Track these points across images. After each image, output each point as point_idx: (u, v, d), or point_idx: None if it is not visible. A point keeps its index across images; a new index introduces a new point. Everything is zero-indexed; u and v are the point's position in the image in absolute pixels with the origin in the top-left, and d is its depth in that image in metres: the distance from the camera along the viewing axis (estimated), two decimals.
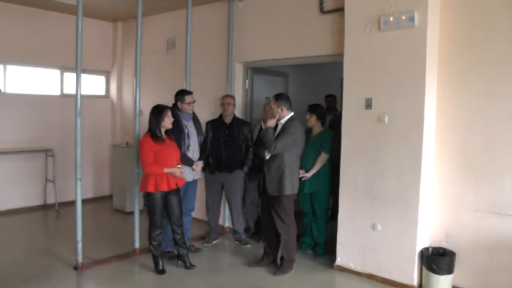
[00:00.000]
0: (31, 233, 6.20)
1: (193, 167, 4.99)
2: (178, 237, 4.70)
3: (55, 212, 7.07)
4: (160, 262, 4.65)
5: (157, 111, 4.50)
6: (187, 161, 4.91)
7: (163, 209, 4.56)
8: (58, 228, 6.57)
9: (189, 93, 5.07)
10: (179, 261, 4.79)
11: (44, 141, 7.25)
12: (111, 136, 8.21)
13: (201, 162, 5.11)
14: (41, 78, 7.42)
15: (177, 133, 4.80)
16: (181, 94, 5.01)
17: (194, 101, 5.05)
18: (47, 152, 7.17)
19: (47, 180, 7.28)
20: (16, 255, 5.15)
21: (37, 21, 7.06)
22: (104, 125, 8.12)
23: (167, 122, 4.50)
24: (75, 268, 4.68)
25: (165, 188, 4.47)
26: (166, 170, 4.43)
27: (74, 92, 7.21)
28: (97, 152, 7.96)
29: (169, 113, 4.53)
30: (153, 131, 4.45)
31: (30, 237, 5.94)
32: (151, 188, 4.43)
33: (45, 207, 7.32)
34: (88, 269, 4.71)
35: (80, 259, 4.69)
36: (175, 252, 4.90)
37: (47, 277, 4.50)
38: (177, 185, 4.59)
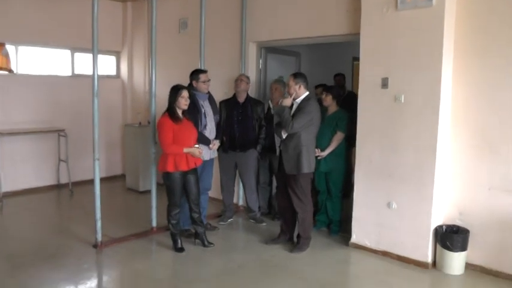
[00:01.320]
0: (47, 212, 6.30)
1: (210, 146, 5.04)
2: (196, 215, 4.78)
3: (69, 191, 7.15)
4: (179, 240, 4.73)
5: (173, 91, 4.55)
6: (204, 140, 4.97)
7: (182, 188, 4.62)
8: (73, 208, 6.65)
9: (204, 71, 5.09)
10: (197, 240, 4.87)
11: (56, 121, 7.30)
12: (122, 116, 8.26)
13: (217, 141, 5.16)
14: (52, 59, 7.42)
15: (193, 112, 4.84)
16: (196, 73, 5.04)
17: (209, 80, 5.08)
18: (60, 132, 7.21)
19: (59, 160, 7.34)
20: (35, 235, 5.26)
21: (47, 1, 7.04)
22: (115, 105, 8.16)
23: (181, 102, 4.52)
24: (95, 246, 4.77)
25: (184, 167, 4.53)
26: (185, 150, 4.49)
27: (84, 72, 7.44)
28: (109, 131, 8.00)
29: (185, 94, 4.54)
30: (171, 110, 4.50)
31: (46, 217, 6.04)
32: (170, 168, 4.48)
33: (58, 186, 7.40)
34: (107, 247, 4.80)
35: (99, 237, 4.77)
36: (193, 231, 4.99)
37: (67, 256, 4.60)
38: (195, 164, 4.64)
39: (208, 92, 5.14)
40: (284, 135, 4.58)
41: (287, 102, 4.55)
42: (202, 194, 5.19)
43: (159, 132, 4.53)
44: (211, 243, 4.85)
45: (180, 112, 4.56)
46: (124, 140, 7.82)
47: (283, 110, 4.50)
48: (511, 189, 4.06)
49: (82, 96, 7.17)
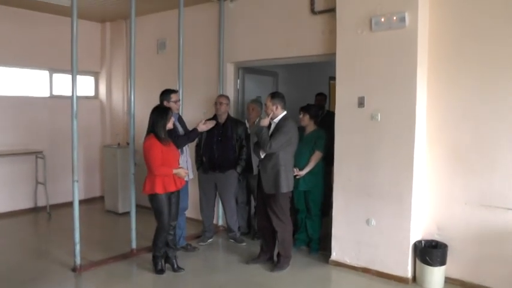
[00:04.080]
0: (24, 236, 6.19)
1: (201, 126, 5.00)
2: (170, 237, 4.70)
3: (47, 214, 7.04)
4: (160, 262, 4.66)
5: (163, 112, 4.51)
6: (193, 134, 5.02)
7: (169, 209, 4.57)
8: (51, 231, 6.56)
9: (175, 91, 5.11)
10: (166, 264, 4.75)
11: (33, 143, 7.22)
12: (101, 137, 8.20)
13: (204, 120, 5.12)
14: (29, 80, 7.36)
15: (170, 133, 4.85)
16: (166, 93, 5.03)
17: (179, 100, 5.12)
18: (37, 154, 7.13)
19: (37, 182, 7.24)
20: (12, 259, 5.15)
21: (25, 22, 7.01)
22: (94, 125, 8.09)
23: (171, 123, 4.54)
24: (74, 270, 4.70)
25: (172, 188, 4.51)
26: (174, 171, 4.48)
27: (63, 93, 7.38)
28: (87, 153, 7.93)
29: (172, 114, 4.58)
30: (158, 132, 4.43)
31: (24, 240, 5.93)
32: (159, 190, 4.42)
33: (36, 209, 7.28)
34: (86, 270, 4.73)
35: (78, 261, 4.70)
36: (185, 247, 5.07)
37: (46, 280, 4.53)
38: (181, 184, 4.64)
39: (178, 113, 5.18)
40: (262, 155, 4.61)
41: (265, 122, 4.60)
42: (180, 214, 5.16)
43: (148, 155, 4.40)
44: (182, 268, 4.75)
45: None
46: (103, 161, 7.75)
47: (261, 130, 4.54)
48: (486, 204, 4.15)
49: (60, 117, 7.13)
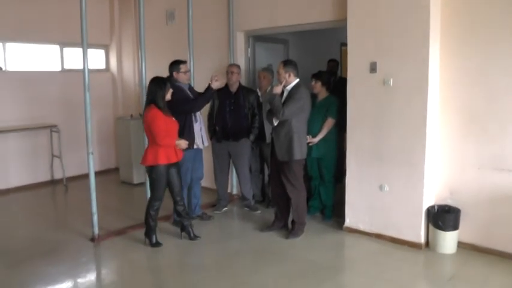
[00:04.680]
0: (43, 208, 6.31)
1: (213, 81, 4.93)
2: (181, 208, 4.73)
3: (63, 186, 7.17)
4: (154, 235, 4.67)
5: (162, 83, 4.46)
6: (207, 94, 4.96)
7: (167, 180, 4.57)
8: (68, 202, 6.70)
9: (184, 62, 5.07)
10: (183, 233, 4.83)
11: (47, 117, 7.29)
12: (113, 109, 8.25)
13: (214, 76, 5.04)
14: (40, 55, 7.39)
15: (186, 96, 4.89)
16: (176, 64, 5.00)
17: (189, 70, 5.11)
18: (52, 128, 7.21)
19: (53, 155, 7.35)
20: (32, 231, 5.28)
21: None
22: (106, 98, 8.14)
23: (169, 94, 4.51)
24: (92, 240, 4.80)
25: (174, 159, 4.51)
26: (176, 142, 4.50)
27: (74, 67, 7.41)
28: (101, 125, 8.00)
29: (169, 85, 4.53)
30: (159, 103, 4.40)
31: (42, 213, 6.05)
32: (163, 160, 4.43)
33: (53, 182, 7.41)
34: (104, 240, 4.84)
35: (96, 231, 4.81)
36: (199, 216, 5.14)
37: (65, 250, 4.63)
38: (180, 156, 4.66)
39: (189, 84, 5.18)
40: (275, 122, 4.62)
41: (277, 89, 4.58)
42: (195, 183, 5.29)
43: (152, 125, 4.37)
44: (198, 236, 4.82)
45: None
46: (116, 133, 7.82)
47: (273, 97, 4.53)
48: (499, 167, 4.15)
49: (73, 91, 7.17)
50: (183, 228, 4.83)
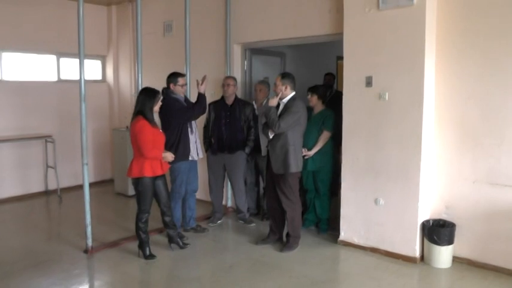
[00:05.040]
0: (36, 219, 6.28)
1: (199, 86, 4.98)
2: (168, 219, 4.71)
3: (57, 197, 7.12)
4: (148, 248, 4.63)
5: (152, 94, 4.42)
6: (202, 98, 4.99)
7: (153, 193, 4.54)
8: (63, 213, 6.65)
9: (182, 75, 5.08)
10: (172, 244, 4.80)
11: (43, 127, 7.27)
12: (109, 120, 8.24)
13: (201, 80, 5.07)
14: (37, 65, 7.38)
15: (182, 106, 4.91)
16: (174, 76, 5.01)
17: (186, 84, 5.13)
18: (47, 138, 7.19)
19: (47, 166, 7.31)
20: (25, 241, 5.24)
21: (32, 6, 7.01)
22: (102, 109, 8.14)
23: (158, 106, 4.47)
24: (85, 251, 4.77)
25: (159, 171, 4.48)
26: (163, 154, 4.47)
27: (70, 77, 7.41)
28: (96, 136, 7.99)
29: (160, 97, 4.49)
30: (147, 114, 4.36)
31: (36, 223, 6.01)
32: (148, 173, 4.38)
33: (47, 193, 7.38)
34: (98, 252, 4.80)
35: (89, 242, 4.77)
36: (183, 233, 5.07)
37: (58, 261, 4.58)
38: (166, 168, 4.63)
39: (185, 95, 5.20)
40: (271, 135, 4.62)
41: (273, 102, 4.59)
42: (190, 196, 5.28)
43: (139, 137, 4.31)
44: (187, 243, 4.83)
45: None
46: (112, 144, 7.79)
47: (269, 110, 4.54)
48: (495, 182, 4.15)
49: (69, 101, 7.18)
50: (171, 240, 4.80)
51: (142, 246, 4.63)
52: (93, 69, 8.13)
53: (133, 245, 4.84)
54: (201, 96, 4.99)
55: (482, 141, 4.19)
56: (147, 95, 4.43)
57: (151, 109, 4.40)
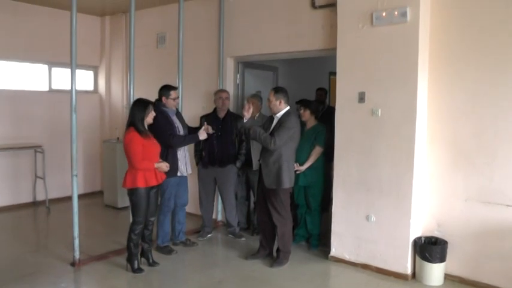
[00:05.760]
0: (23, 230, 6.18)
1: (202, 129, 4.96)
2: (147, 232, 4.63)
3: (45, 208, 7.01)
4: (137, 261, 4.56)
5: (142, 106, 4.39)
6: (193, 138, 4.97)
7: (148, 204, 4.48)
8: (50, 225, 6.56)
9: (174, 88, 5.05)
10: (142, 258, 4.70)
11: (32, 137, 7.19)
12: (100, 131, 8.17)
13: (209, 127, 5.04)
14: (28, 74, 7.33)
15: (165, 128, 4.80)
16: (166, 89, 4.97)
17: (178, 97, 5.09)
18: (36, 148, 7.11)
19: (36, 176, 7.22)
20: (11, 253, 5.13)
21: (24, 15, 6.97)
22: (93, 120, 8.08)
23: (150, 117, 4.43)
24: (72, 264, 4.68)
25: (153, 182, 4.43)
26: (156, 165, 4.42)
27: (62, 87, 7.35)
28: (87, 147, 7.93)
29: (152, 108, 4.45)
30: (137, 125, 4.33)
31: (23, 235, 5.91)
32: (141, 184, 4.33)
33: (35, 204, 7.27)
34: (85, 265, 4.71)
35: (77, 255, 4.68)
36: (172, 247, 5.00)
37: (44, 274, 4.50)
38: (162, 179, 4.58)
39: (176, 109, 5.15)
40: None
41: (246, 119, 4.60)
42: (180, 209, 5.22)
43: (128, 149, 4.30)
44: (157, 263, 4.72)
45: (146, 126, 4.44)
46: (102, 156, 7.73)
47: (256, 132, 4.51)
48: (486, 200, 4.14)
49: (59, 111, 7.13)
50: (143, 254, 4.71)
51: (131, 259, 4.55)
52: (85, 80, 8.08)
53: (122, 258, 4.76)
54: (193, 138, 4.99)
55: (474, 159, 4.19)
56: (138, 106, 4.41)
57: (142, 120, 4.36)
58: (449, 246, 4.32)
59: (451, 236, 4.35)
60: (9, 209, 6.95)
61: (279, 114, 4.62)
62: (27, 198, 7.26)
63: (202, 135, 4.98)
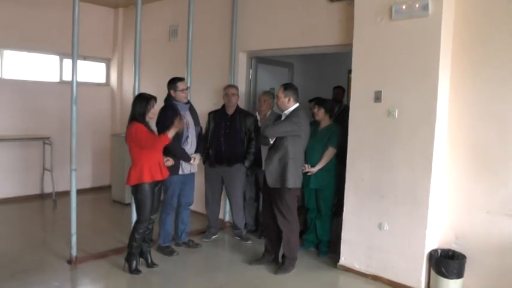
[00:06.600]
0: (27, 223, 6.05)
1: (191, 162, 4.77)
2: (147, 231, 4.43)
3: (52, 201, 6.92)
4: (135, 261, 4.37)
5: (144, 101, 4.23)
6: (184, 157, 4.72)
7: (153, 201, 4.30)
8: (55, 219, 6.44)
9: (181, 79, 4.83)
10: (141, 259, 4.51)
11: (41, 128, 7.09)
12: (111, 125, 8.04)
13: (198, 155, 4.88)
14: (39, 64, 7.23)
15: (168, 125, 4.57)
16: (173, 82, 4.77)
17: (187, 88, 4.88)
18: (45, 140, 7.01)
19: (44, 169, 7.12)
20: (9, 247, 5.01)
21: (36, 5, 6.86)
22: (104, 113, 7.96)
23: (153, 113, 4.27)
24: (69, 262, 4.52)
25: (159, 177, 4.25)
26: (171, 134, 4.12)
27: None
28: (96, 141, 7.80)
29: (155, 104, 4.26)
30: (139, 120, 4.17)
31: (25, 228, 5.79)
32: (147, 178, 4.16)
33: (42, 196, 7.17)
34: (82, 263, 4.54)
35: (74, 253, 4.52)
36: (174, 247, 4.83)
37: (38, 271, 4.34)
38: (166, 174, 4.41)
39: (189, 102, 4.90)
40: (271, 140, 4.37)
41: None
42: (184, 209, 5.04)
43: (138, 135, 4.10)
44: (156, 264, 4.52)
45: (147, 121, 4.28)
46: (112, 150, 7.58)
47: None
48: (510, 213, 3.79)
49: (70, 103, 6.94)
50: (141, 254, 4.51)
51: (129, 259, 4.36)
52: (97, 72, 7.95)
53: (121, 258, 4.55)
54: (186, 158, 4.75)
55: (497, 167, 3.85)
56: (138, 101, 4.27)
57: (143, 115, 4.20)
58: (467, 261, 3.99)
59: (470, 250, 4.01)
60: (16, 200, 6.87)
61: (287, 112, 4.38)
62: (34, 190, 7.18)
63: (194, 162, 4.82)
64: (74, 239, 4.51)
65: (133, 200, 4.55)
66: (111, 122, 8.04)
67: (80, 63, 7.44)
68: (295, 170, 4.33)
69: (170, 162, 4.42)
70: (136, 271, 4.35)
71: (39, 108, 7.06)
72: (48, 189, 7.12)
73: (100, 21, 7.60)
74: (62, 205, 6.76)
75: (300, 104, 4.47)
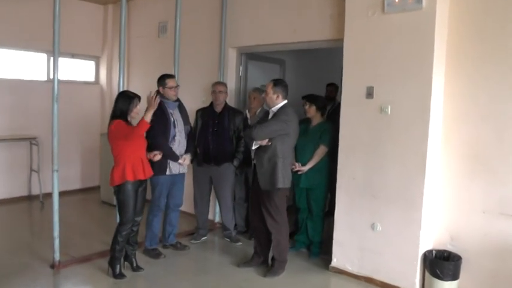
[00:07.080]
0: (12, 225, 5.90)
1: (180, 161, 4.63)
2: (132, 234, 4.30)
3: (39, 203, 6.76)
4: (119, 265, 4.23)
5: (126, 98, 4.09)
6: (172, 156, 4.56)
7: (135, 202, 4.15)
8: (41, 221, 6.26)
9: (171, 76, 4.69)
10: (126, 262, 4.38)
11: (28, 128, 6.92)
12: (101, 124, 7.86)
13: (189, 155, 4.74)
14: (26, 62, 7.05)
15: (161, 122, 4.45)
16: (162, 79, 4.62)
17: (177, 86, 4.70)
18: (31, 141, 6.84)
19: (31, 169, 6.95)
20: None
21: (22, 2, 6.68)
22: (93, 112, 7.77)
23: (135, 112, 4.10)
24: (52, 267, 4.37)
25: (141, 176, 4.11)
26: (147, 118, 3.92)
27: (62, 77, 7.03)
28: (85, 140, 7.63)
29: (138, 104, 4.10)
30: (120, 118, 4.01)
31: (10, 230, 5.64)
32: (129, 177, 4.02)
33: (29, 198, 7.01)
34: (66, 267, 4.39)
35: (56, 257, 4.37)
36: (160, 250, 4.69)
37: (19, 276, 4.19)
38: (149, 173, 4.26)
39: (178, 100, 4.74)
40: (254, 146, 4.19)
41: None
42: (173, 211, 4.89)
43: (118, 128, 3.96)
44: (141, 268, 4.38)
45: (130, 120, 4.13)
46: (101, 150, 7.41)
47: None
48: (507, 213, 3.67)
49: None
50: (126, 257, 4.37)
51: (113, 263, 4.22)
52: (86, 70, 7.77)
53: (106, 262, 4.38)
54: (173, 157, 4.61)
55: (494, 166, 3.72)
56: (121, 98, 4.12)
57: (125, 113, 4.05)
58: (463, 262, 3.87)
59: (466, 251, 3.89)
60: (3, 202, 6.70)
61: (275, 109, 4.23)
62: (22, 192, 7.00)
63: (184, 162, 4.70)
64: (56, 242, 4.37)
65: (115, 201, 4.40)
66: (100, 121, 7.85)
67: (69, 61, 7.32)
68: (285, 169, 4.18)
69: (158, 156, 4.29)
70: (121, 275, 4.20)
71: (26, 108, 6.88)
72: (35, 190, 6.96)
73: (89, 18, 7.44)
74: (50, 207, 6.52)
75: (292, 101, 4.33)
